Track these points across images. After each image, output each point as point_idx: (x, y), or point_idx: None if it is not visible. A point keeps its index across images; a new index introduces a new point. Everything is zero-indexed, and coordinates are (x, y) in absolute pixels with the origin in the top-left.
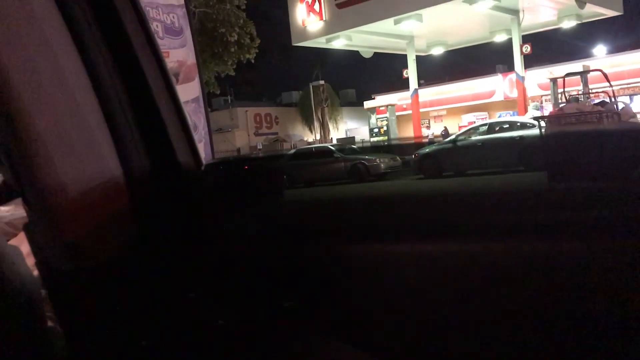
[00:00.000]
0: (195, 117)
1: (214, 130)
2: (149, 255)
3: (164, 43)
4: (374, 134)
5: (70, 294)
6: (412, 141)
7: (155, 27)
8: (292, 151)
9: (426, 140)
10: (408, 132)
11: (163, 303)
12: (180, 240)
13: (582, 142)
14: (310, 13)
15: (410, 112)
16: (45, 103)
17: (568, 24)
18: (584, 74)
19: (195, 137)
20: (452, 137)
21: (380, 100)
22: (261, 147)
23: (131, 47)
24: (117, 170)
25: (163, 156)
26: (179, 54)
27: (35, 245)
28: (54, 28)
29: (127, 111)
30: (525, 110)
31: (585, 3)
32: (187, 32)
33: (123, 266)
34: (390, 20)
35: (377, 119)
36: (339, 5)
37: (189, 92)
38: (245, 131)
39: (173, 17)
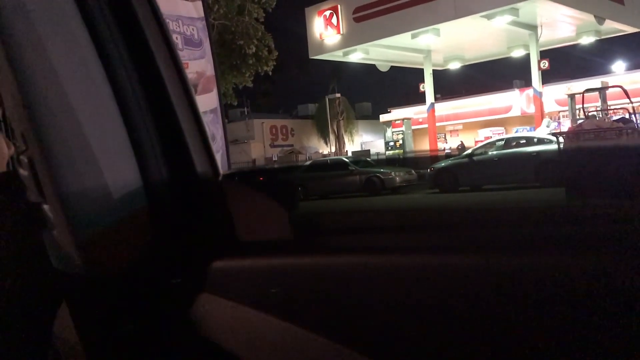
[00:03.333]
0: (213, 127)
1: (230, 141)
2: (166, 263)
3: (183, 54)
4: (390, 148)
5: (86, 299)
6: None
7: (175, 38)
8: (308, 163)
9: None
10: (424, 146)
11: (177, 312)
12: (197, 248)
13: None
14: (328, 26)
15: (426, 126)
16: (68, 111)
17: (587, 40)
18: (603, 89)
19: (213, 147)
20: (469, 151)
21: (396, 113)
22: (276, 159)
23: (153, 58)
24: (137, 178)
25: (182, 166)
26: (198, 65)
27: (53, 250)
28: (79, 41)
29: (147, 121)
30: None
31: (605, 19)
32: (206, 44)
33: (139, 274)
34: (408, 35)
35: (392, 132)
36: (357, 19)
37: (207, 103)
38: (261, 142)
39: (193, 29)
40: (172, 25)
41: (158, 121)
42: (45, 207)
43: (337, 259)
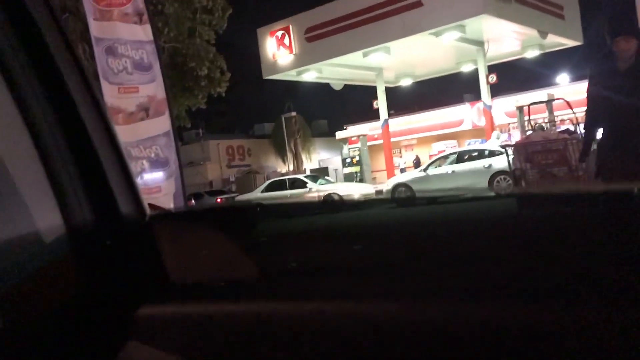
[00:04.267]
0: (167, 151)
1: (185, 164)
2: (92, 310)
3: (133, 78)
4: (347, 164)
5: (9, 355)
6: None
7: (124, 62)
8: (265, 183)
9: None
10: (380, 161)
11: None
12: (124, 294)
13: None
14: (281, 47)
15: (381, 141)
16: None
17: (532, 53)
18: (548, 102)
19: (167, 171)
20: (424, 166)
21: (351, 130)
22: (234, 180)
23: (68, 94)
24: (58, 221)
25: (105, 207)
26: (148, 89)
27: None
28: None
29: (67, 162)
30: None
31: (547, 33)
32: (157, 67)
33: (62, 320)
34: (359, 53)
35: (349, 149)
36: (309, 39)
37: (159, 126)
38: (218, 164)
39: (142, 52)
40: (120, 49)
41: (79, 161)
42: None
43: (274, 305)
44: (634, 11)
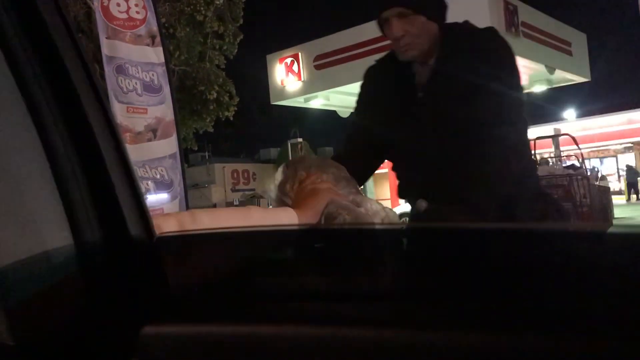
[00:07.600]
0: (172, 173)
1: (190, 186)
2: (97, 326)
3: (142, 99)
4: None
5: None
6: None
7: (135, 83)
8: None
9: None
10: (384, 189)
11: None
12: (128, 314)
13: None
14: (289, 73)
15: (386, 170)
16: None
17: (539, 88)
18: (554, 137)
19: (171, 193)
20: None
21: None
22: (238, 204)
23: (84, 113)
24: (69, 240)
25: (114, 227)
26: (157, 110)
27: None
28: (5, 97)
29: (79, 179)
30: None
31: (555, 69)
32: (166, 90)
33: (70, 340)
34: None
35: None
36: (317, 67)
37: (166, 148)
38: (222, 187)
39: (152, 74)
40: (131, 71)
41: (90, 180)
42: None
43: (284, 328)
44: None
